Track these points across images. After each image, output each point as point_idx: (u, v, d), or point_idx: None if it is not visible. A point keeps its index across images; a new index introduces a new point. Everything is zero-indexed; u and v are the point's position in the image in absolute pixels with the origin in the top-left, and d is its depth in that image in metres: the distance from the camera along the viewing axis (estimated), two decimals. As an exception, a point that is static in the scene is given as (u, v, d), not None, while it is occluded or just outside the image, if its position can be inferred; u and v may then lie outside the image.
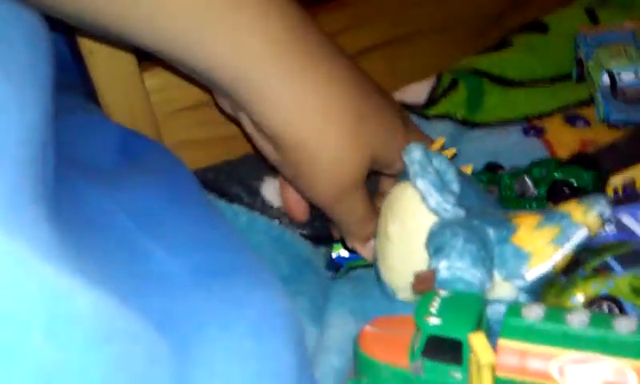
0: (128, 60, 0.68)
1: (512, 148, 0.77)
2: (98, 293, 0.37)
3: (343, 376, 0.55)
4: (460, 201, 0.57)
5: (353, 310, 0.61)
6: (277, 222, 0.72)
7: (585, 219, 0.55)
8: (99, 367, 0.36)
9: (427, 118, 0.81)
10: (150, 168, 0.62)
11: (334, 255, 0.69)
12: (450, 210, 0.56)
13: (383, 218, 0.61)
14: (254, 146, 0.65)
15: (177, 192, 0.60)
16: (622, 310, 0.55)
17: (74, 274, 0.36)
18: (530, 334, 0.47)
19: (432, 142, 0.66)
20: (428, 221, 0.57)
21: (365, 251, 0.66)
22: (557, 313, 0.48)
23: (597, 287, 0.55)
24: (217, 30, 0.54)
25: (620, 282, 0.55)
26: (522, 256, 0.55)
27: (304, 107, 0.58)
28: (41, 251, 0.36)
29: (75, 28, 0.64)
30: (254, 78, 0.56)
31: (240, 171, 0.75)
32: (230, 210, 0.71)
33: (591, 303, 0.55)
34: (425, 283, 0.54)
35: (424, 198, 0.57)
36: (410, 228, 0.58)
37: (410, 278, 0.56)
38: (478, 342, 0.46)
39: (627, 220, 0.59)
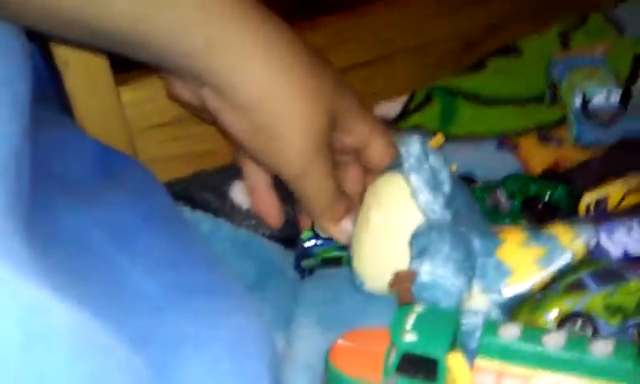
0: (104, 73, 0.66)
1: (486, 161, 0.75)
2: (73, 307, 0.36)
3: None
4: (449, 203, 0.55)
5: (321, 318, 0.59)
6: (243, 226, 0.69)
7: (571, 244, 0.53)
8: (77, 381, 0.35)
9: (399, 130, 0.79)
10: (125, 185, 0.61)
11: (305, 245, 0.65)
12: (438, 211, 0.54)
13: (366, 204, 0.59)
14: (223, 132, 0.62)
15: (152, 210, 0.58)
16: (595, 327, 0.53)
17: (47, 288, 0.35)
18: (507, 353, 0.45)
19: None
20: (414, 217, 0.55)
21: (337, 232, 0.63)
22: (533, 333, 0.46)
23: (571, 304, 0.53)
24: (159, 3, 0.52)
25: (594, 299, 0.53)
26: (503, 271, 0.53)
27: (265, 61, 0.56)
28: (13, 265, 0.35)
29: (50, 38, 0.62)
30: (211, 44, 0.54)
31: (210, 179, 0.72)
32: (193, 217, 0.68)
33: (565, 320, 0.53)
34: (403, 284, 0.52)
35: (414, 194, 0.55)
36: (394, 221, 0.56)
37: (382, 271, 0.54)
38: (455, 362, 0.44)
39: (602, 239, 0.57)
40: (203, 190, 0.72)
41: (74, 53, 0.64)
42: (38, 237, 0.42)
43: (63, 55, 0.64)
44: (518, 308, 0.54)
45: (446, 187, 0.56)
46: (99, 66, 0.66)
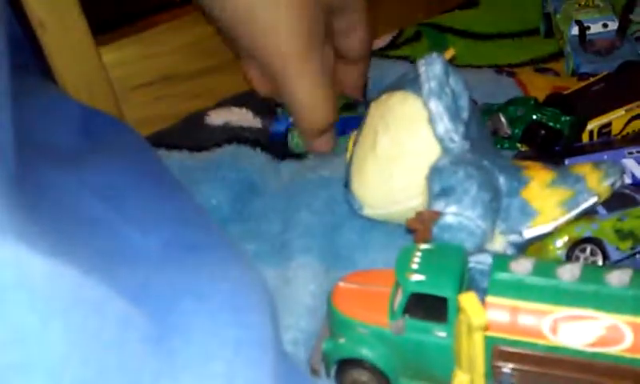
0: (82, 33, 0.62)
1: (485, 84, 0.69)
2: (57, 264, 0.34)
3: (313, 338, 0.48)
4: (466, 132, 0.49)
5: (321, 254, 0.53)
6: (222, 142, 0.65)
7: (598, 187, 0.48)
8: (61, 333, 0.33)
9: (387, 57, 0.74)
10: (113, 147, 0.58)
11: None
12: (457, 141, 0.48)
13: (372, 124, 0.52)
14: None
15: (142, 170, 0.55)
16: (605, 253, 0.49)
17: (27, 246, 0.33)
18: (520, 289, 0.41)
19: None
20: (427, 145, 0.49)
21: (316, 143, 0.62)
22: (546, 266, 0.42)
23: (581, 229, 0.49)
24: None
25: (604, 224, 0.49)
26: (528, 213, 0.48)
27: None
28: None
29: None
30: None
31: (188, 118, 0.70)
32: (167, 158, 0.64)
33: (574, 246, 0.49)
34: (424, 223, 0.46)
35: (433, 121, 0.48)
36: (405, 147, 0.50)
37: (385, 198, 0.49)
38: (468, 302, 0.39)
39: None
40: (181, 130, 0.68)
41: (50, 13, 0.60)
42: (26, 202, 0.40)
43: (38, 16, 0.60)
44: None
45: (465, 114, 0.49)
46: (76, 25, 0.61)
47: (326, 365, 0.46)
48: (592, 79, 0.64)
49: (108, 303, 0.36)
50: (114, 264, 0.42)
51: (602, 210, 0.50)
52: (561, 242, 0.49)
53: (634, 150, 0.54)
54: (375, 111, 0.53)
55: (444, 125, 0.48)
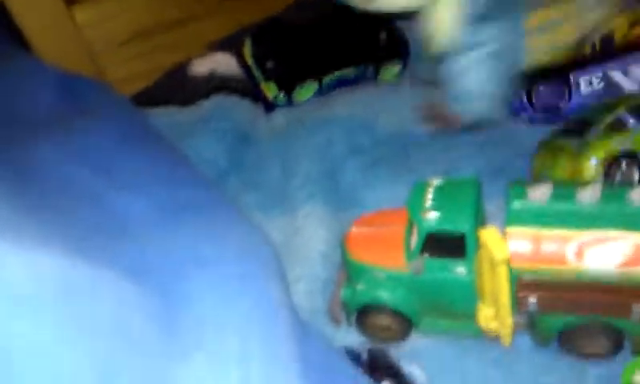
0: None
1: None
2: (38, 257, 0.32)
3: (330, 285, 0.47)
4: None
5: (326, 198, 0.52)
6: (210, 92, 0.62)
7: None
8: (53, 332, 0.31)
9: None
10: (95, 110, 0.55)
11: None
12: None
13: None
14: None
15: (127, 132, 0.53)
16: None
17: (4, 243, 0.31)
18: (540, 216, 0.39)
19: None
20: None
21: None
22: (565, 190, 0.40)
23: (617, 143, 0.46)
24: None
25: (637, 137, 0.46)
26: None
27: None
28: None
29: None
30: None
31: (170, 74, 0.67)
32: (156, 115, 0.61)
33: (611, 163, 0.47)
34: None
35: None
36: None
37: None
38: (490, 237, 0.37)
39: (617, 76, 0.51)
40: (166, 84, 0.66)
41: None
42: (11, 181, 0.39)
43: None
44: (556, 158, 0.47)
45: None
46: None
47: (346, 313, 0.44)
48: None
49: (101, 285, 0.34)
50: (106, 238, 0.39)
51: (632, 121, 0.47)
52: (596, 159, 0.47)
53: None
54: None
55: None
